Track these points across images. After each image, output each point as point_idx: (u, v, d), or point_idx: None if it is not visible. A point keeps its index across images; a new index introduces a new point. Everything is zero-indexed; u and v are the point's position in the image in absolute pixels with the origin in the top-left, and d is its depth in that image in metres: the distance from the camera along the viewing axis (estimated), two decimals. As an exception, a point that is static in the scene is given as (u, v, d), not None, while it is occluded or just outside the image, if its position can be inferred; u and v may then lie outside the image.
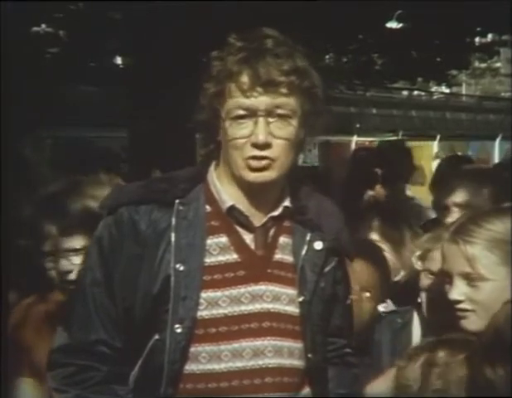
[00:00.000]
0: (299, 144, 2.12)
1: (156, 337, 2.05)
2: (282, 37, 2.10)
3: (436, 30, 8.31)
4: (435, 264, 2.54)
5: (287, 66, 2.02)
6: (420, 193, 5.88)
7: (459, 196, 3.15)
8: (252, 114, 2.03)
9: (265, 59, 2.02)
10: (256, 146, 2.03)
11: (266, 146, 2.03)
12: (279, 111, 2.04)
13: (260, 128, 2.02)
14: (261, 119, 2.02)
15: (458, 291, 2.24)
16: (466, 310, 2.24)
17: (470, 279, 2.23)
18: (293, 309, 2.13)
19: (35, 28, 8.07)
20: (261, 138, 2.02)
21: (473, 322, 2.23)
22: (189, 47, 6.90)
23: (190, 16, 6.77)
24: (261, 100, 2.02)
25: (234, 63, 2.03)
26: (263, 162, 2.04)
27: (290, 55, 2.05)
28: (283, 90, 2.03)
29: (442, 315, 2.37)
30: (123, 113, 8.53)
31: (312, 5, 7.03)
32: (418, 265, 2.69)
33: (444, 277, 2.34)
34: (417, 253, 2.71)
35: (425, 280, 2.62)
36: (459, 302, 2.24)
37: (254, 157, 2.04)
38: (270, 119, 2.03)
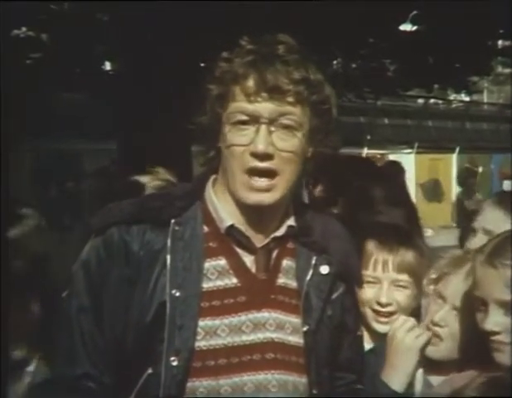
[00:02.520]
0: (304, 161, 2.13)
1: (150, 371, 2.04)
2: (297, 46, 2.12)
3: (454, 32, 8.31)
4: (447, 288, 2.54)
5: (296, 75, 2.05)
6: (437, 211, 5.89)
7: (488, 222, 3.13)
8: (254, 120, 2.05)
9: (274, 65, 2.05)
10: (255, 155, 2.04)
11: (266, 156, 2.04)
12: (284, 121, 2.06)
13: (261, 136, 2.04)
14: (263, 127, 2.04)
15: (494, 321, 2.19)
16: (503, 343, 2.19)
17: (508, 307, 2.18)
18: (297, 340, 2.13)
19: (15, 31, 8.09)
20: (261, 147, 2.03)
21: (509, 357, 2.18)
22: (185, 51, 6.92)
23: (185, 17, 6.80)
24: (265, 107, 2.04)
25: (241, 65, 2.07)
26: (264, 183, 2.06)
27: (302, 64, 2.08)
28: (290, 99, 2.05)
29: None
30: (113, 123, 8.54)
31: (318, 5, 7.06)
32: (430, 289, 2.68)
33: (476, 304, 2.30)
34: (432, 276, 2.69)
35: (433, 306, 2.61)
36: (495, 333, 2.19)
37: (254, 171, 2.05)
38: (273, 128, 2.05)
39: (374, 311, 2.78)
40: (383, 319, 2.81)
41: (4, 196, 3.55)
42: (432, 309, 2.57)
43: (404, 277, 2.77)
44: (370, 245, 2.80)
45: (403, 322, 2.53)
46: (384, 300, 2.76)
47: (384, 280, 2.78)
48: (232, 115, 2.07)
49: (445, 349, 2.49)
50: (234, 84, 2.07)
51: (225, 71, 2.09)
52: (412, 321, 2.53)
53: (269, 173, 2.06)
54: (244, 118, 2.06)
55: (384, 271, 2.78)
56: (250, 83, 2.05)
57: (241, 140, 2.06)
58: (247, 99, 2.05)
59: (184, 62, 6.93)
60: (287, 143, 2.07)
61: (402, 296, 2.79)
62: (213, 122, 2.12)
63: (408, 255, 2.78)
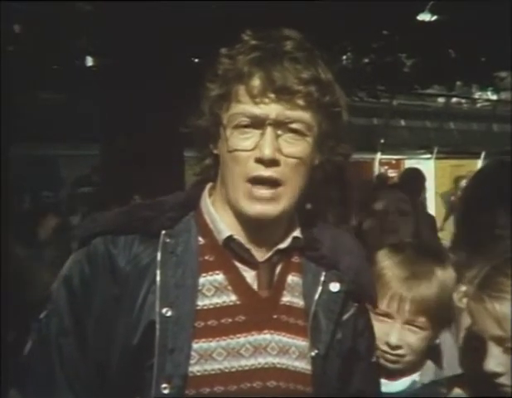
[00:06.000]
0: (312, 169, 2.14)
1: None
2: (305, 42, 2.15)
3: (478, 22, 8.33)
4: None
5: (306, 74, 2.07)
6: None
7: None
8: (259, 123, 2.06)
9: (282, 62, 2.07)
10: (261, 161, 2.06)
11: (272, 163, 2.06)
12: (292, 125, 2.08)
13: (267, 140, 2.05)
14: (269, 130, 2.06)
15: (494, 361, 2.20)
16: (506, 386, 2.20)
17: (504, 344, 2.19)
18: (304, 366, 2.14)
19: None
20: (267, 152, 2.05)
21: None
22: (175, 46, 6.94)
23: (175, 9, 6.82)
24: (272, 108, 2.06)
25: (246, 63, 2.08)
26: (268, 193, 2.07)
27: (312, 62, 2.10)
28: (299, 102, 2.07)
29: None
30: (95, 126, 8.56)
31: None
32: (462, 303, 2.64)
33: (475, 342, 2.30)
34: (462, 288, 2.66)
35: (466, 319, 2.58)
36: (498, 375, 2.20)
37: (258, 180, 2.07)
38: (279, 132, 2.07)
39: (382, 351, 2.67)
40: (389, 364, 2.73)
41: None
42: (465, 323, 2.55)
43: (421, 319, 2.68)
44: (388, 275, 2.70)
45: None
46: (393, 342, 2.67)
47: (397, 319, 2.68)
48: (234, 117, 2.09)
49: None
50: (238, 84, 2.09)
51: (228, 69, 2.11)
52: None
53: (273, 182, 2.08)
54: (248, 121, 2.08)
55: (398, 310, 2.68)
56: (256, 82, 2.06)
57: (245, 144, 2.08)
58: (252, 101, 2.07)
59: (175, 58, 6.95)
60: (295, 149, 2.09)
61: (414, 338, 2.70)
62: (211, 125, 2.14)
63: (429, 293, 2.67)
